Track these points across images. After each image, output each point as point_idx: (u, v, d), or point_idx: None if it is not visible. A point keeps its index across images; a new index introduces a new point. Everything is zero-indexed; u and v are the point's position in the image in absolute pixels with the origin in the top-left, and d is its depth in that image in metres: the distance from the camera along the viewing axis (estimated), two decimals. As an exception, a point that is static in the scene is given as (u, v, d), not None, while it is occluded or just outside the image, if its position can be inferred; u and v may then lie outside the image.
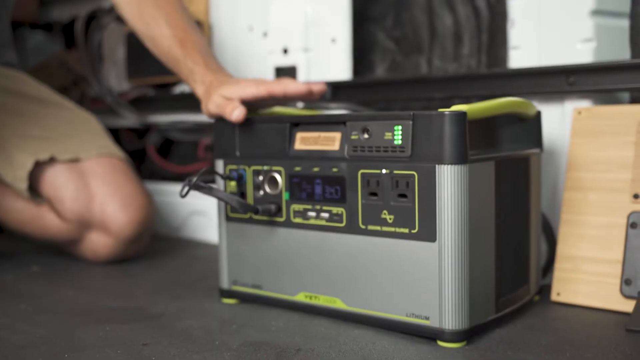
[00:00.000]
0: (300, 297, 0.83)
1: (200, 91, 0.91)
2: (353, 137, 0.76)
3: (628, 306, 0.81)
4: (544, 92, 0.93)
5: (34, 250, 1.23)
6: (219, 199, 0.81)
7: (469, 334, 0.72)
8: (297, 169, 0.81)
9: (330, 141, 0.79)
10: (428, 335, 0.72)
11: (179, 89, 1.39)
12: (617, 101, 0.96)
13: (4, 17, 1.29)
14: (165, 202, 1.38)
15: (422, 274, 0.72)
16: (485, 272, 0.74)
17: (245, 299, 0.88)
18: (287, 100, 0.89)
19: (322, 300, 0.81)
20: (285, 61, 1.21)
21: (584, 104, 0.92)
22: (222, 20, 1.30)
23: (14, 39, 1.76)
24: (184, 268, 1.09)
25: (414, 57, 1.16)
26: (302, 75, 1.18)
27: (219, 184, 0.89)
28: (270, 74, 1.23)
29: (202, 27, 1.30)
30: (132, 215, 1.11)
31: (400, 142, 0.73)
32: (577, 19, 0.92)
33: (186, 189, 0.80)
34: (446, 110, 0.70)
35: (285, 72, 1.22)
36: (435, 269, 0.71)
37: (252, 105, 0.88)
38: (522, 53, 0.97)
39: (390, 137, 0.73)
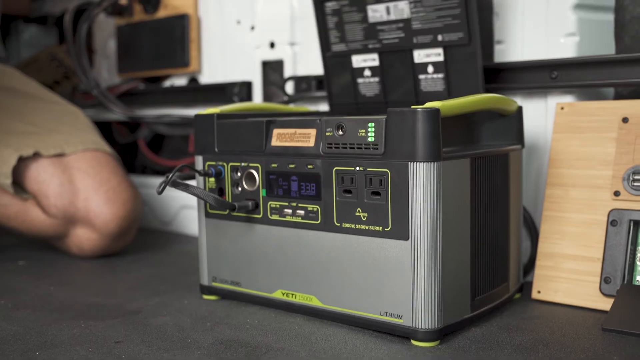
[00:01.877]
0: (278, 295, 0.82)
1: None
2: (328, 133, 0.76)
3: (607, 305, 0.80)
4: (527, 87, 0.92)
5: (21, 244, 1.24)
6: (196, 195, 0.81)
7: (442, 333, 0.71)
8: (274, 165, 0.81)
9: (305, 137, 0.78)
10: (401, 334, 0.72)
11: (169, 82, 1.39)
12: (602, 96, 0.95)
13: None
14: (156, 196, 1.38)
15: (395, 272, 0.71)
16: (460, 270, 0.73)
17: (225, 295, 0.88)
18: None
19: (299, 298, 0.80)
20: (272, 55, 1.20)
21: (568, 99, 0.91)
22: (210, 13, 1.29)
23: (7, 33, 1.76)
24: (169, 263, 1.09)
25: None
26: (288, 69, 1.18)
27: (198, 180, 0.88)
28: (257, 68, 1.22)
29: (190, 20, 1.30)
30: (117, 210, 1.11)
31: (373, 139, 0.72)
32: (560, 13, 0.91)
33: (162, 185, 0.79)
34: (419, 107, 0.69)
35: (272, 65, 1.21)
36: (408, 267, 0.70)
37: None
38: (505, 47, 0.96)
39: (364, 134, 0.73)
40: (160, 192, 0.80)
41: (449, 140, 0.75)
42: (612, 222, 0.82)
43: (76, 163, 1.13)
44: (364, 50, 0.97)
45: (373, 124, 0.72)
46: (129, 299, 0.88)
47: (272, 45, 1.20)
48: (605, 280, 0.81)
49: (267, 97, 1.22)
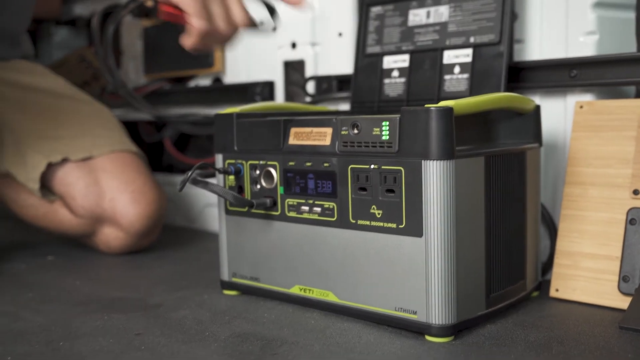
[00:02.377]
0: (295, 290, 0.84)
1: None
2: (343, 132, 0.77)
3: (625, 303, 0.79)
4: (546, 86, 0.92)
5: (51, 241, 1.27)
6: (215, 193, 0.83)
7: (456, 329, 0.72)
8: (291, 163, 0.82)
9: (322, 136, 0.80)
10: (416, 330, 0.73)
11: (193, 82, 1.41)
12: (622, 95, 0.95)
13: (24, 10, 1.32)
14: (182, 195, 1.40)
15: (410, 268, 0.72)
16: (474, 267, 0.74)
17: (245, 290, 0.90)
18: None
19: (316, 293, 0.82)
20: (293, 55, 1.22)
21: (588, 97, 0.91)
22: (234, 14, 1.31)
23: (39, 35, 1.81)
24: (192, 260, 1.11)
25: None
26: (309, 69, 1.19)
27: (218, 178, 0.90)
28: (279, 68, 1.24)
29: (214, 21, 1.32)
30: (142, 210, 1.13)
31: (387, 137, 0.73)
32: (580, 11, 0.90)
33: (182, 183, 0.81)
34: (432, 106, 0.70)
35: (294, 66, 1.23)
36: (422, 263, 0.71)
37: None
38: (525, 46, 0.96)
39: (379, 133, 0.74)
40: (180, 190, 0.81)
41: (464, 139, 0.76)
42: (631, 221, 0.81)
43: (102, 164, 1.16)
44: (397, 51, 0.99)
45: (387, 123, 0.73)
46: (151, 294, 0.90)
47: (293, 45, 1.22)
48: (623, 278, 0.81)
49: (288, 96, 1.24)
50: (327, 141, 0.79)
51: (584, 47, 0.91)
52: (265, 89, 1.25)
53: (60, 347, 0.70)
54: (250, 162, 0.86)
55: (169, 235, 1.29)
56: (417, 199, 0.71)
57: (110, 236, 1.15)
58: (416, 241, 0.72)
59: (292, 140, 0.83)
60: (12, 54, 1.30)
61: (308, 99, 1.18)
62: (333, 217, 0.79)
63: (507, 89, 0.91)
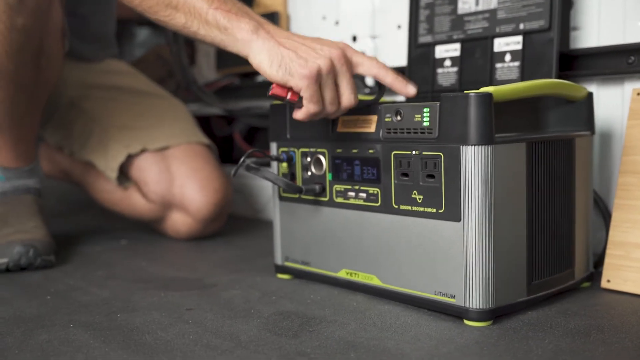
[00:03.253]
0: (342, 274, 0.86)
1: (256, 35, 0.78)
2: (387, 119, 0.79)
3: (678, 295, 0.77)
4: (602, 73, 0.90)
5: (128, 227, 1.35)
6: (267, 179, 0.86)
7: (495, 314, 0.72)
8: (339, 150, 0.85)
9: (367, 123, 0.82)
10: (454, 314, 0.74)
11: (261, 77, 1.46)
12: (685, 82, 0.92)
13: (111, 12, 1.41)
14: (250, 186, 1.46)
15: (448, 253, 0.73)
16: (514, 253, 0.74)
17: (296, 274, 0.93)
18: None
19: (361, 277, 0.84)
20: (354, 48, 1.24)
21: (646, 85, 0.89)
22: (298, 10, 1.35)
23: (122, 35, 1.91)
24: (253, 246, 1.16)
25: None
26: (370, 62, 1.21)
27: (273, 165, 0.94)
28: (341, 61, 1.27)
29: (280, 17, 1.36)
30: (209, 197, 1.19)
31: (428, 123, 0.74)
32: (638, -3, 0.88)
33: (235, 169, 0.85)
34: (472, 92, 0.71)
35: (355, 59, 1.25)
36: (460, 248, 0.72)
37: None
38: (581, 34, 0.94)
39: (420, 119, 0.75)
40: (234, 175, 0.86)
41: (508, 125, 0.76)
42: (685, 211, 0.79)
43: (175, 153, 1.22)
44: (449, 40, 1.00)
45: (428, 109, 0.74)
46: (208, 275, 0.95)
47: (354, 38, 1.24)
48: (676, 270, 0.78)
49: (349, 89, 1.26)
50: (372, 128, 0.81)
51: (642, 33, 0.88)
52: (327, 82, 1.27)
53: (117, 319, 0.75)
54: (301, 149, 0.90)
55: (235, 224, 1.35)
56: (456, 184, 0.72)
57: (178, 221, 1.21)
58: (455, 226, 0.72)
59: (340, 128, 0.85)
60: (103, 55, 1.39)
61: (367, 91, 1.19)
62: (377, 202, 0.81)
63: (561, 77, 0.91)
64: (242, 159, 0.86)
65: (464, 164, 0.71)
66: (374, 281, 0.82)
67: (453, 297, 0.74)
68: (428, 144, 0.74)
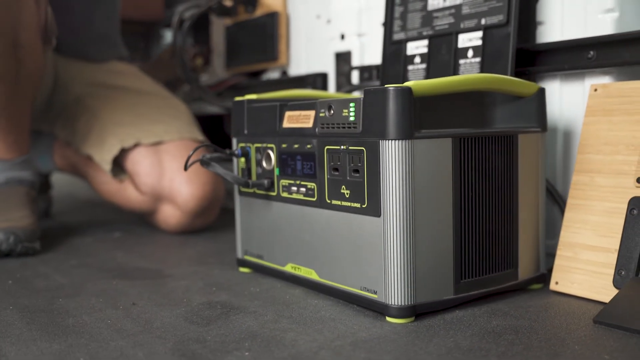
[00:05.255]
0: (288, 268, 0.87)
1: None
2: (321, 114, 0.79)
3: (620, 299, 0.74)
4: (562, 68, 0.87)
5: (126, 220, 1.40)
6: (217, 174, 0.88)
7: (416, 311, 0.72)
8: (284, 145, 0.86)
9: (307, 119, 0.82)
10: (376, 309, 0.73)
11: (266, 76, 1.49)
12: (651, 77, 0.87)
13: (112, 13, 1.47)
14: (251, 182, 1.48)
15: (370, 248, 0.73)
16: (439, 251, 0.73)
17: (253, 268, 0.94)
18: None
19: (303, 272, 0.84)
20: (342, 46, 1.24)
21: (607, 80, 0.85)
22: (297, 10, 1.36)
23: (150, 37, 1.98)
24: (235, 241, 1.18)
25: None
26: (356, 60, 1.21)
27: (233, 160, 0.96)
28: (331, 59, 1.27)
29: (279, 17, 1.38)
30: (197, 190, 1.22)
31: (354, 118, 0.74)
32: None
33: (186, 163, 0.88)
34: (391, 86, 0.70)
35: (344, 57, 1.25)
36: (380, 243, 0.72)
37: None
38: (546, 28, 0.91)
39: (347, 114, 0.75)
40: (185, 169, 0.88)
41: (443, 121, 0.75)
42: (631, 211, 0.76)
43: (167, 148, 1.26)
44: (419, 37, 0.99)
45: (354, 104, 0.74)
46: (171, 267, 0.98)
47: (342, 37, 1.24)
48: (618, 272, 0.75)
49: (338, 87, 1.27)
50: (310, 123, 0.82)
51: (603, 25, 0.85)
52: (318, 80, 1.28)
53: (56, 303, 0.79)
54: (256, 145, 0.91)
55: (229, 218, 1.37)
56: (376, 179, 0.71)
57: (168, 214, 1.25)
58: (375, 221, 0.72)
59: (285, 124, 0.86)
60: (108, 55, 1.45)
61: (347, 88, 1.20)
62: (314, 197, 0.81)
63: (522, 73, 0.88)
64: (191, 154, 0.88)
65: (383, 159, 0.71)
66: (313, 276, 0.83)
67: (375, 292, 0.73)
68: (353, 139, 0.74)
